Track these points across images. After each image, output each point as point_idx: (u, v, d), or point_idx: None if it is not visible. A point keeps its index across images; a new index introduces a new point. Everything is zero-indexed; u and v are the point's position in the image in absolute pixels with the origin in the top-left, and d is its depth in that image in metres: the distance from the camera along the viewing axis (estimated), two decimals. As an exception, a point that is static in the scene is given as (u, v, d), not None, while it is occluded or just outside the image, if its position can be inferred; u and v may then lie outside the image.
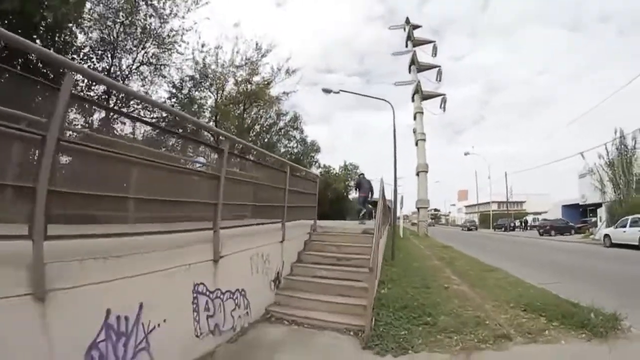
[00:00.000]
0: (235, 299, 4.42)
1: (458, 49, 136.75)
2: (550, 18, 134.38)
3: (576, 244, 22.57)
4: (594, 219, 29.62)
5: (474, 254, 13.95)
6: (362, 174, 14.39)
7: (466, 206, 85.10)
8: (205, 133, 17.38)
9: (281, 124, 29.29)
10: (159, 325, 3.06)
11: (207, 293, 3.79)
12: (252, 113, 26.02)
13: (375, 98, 16.94)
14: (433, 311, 5.23)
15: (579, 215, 36.38)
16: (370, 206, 13.75)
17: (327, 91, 15.59)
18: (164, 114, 16.04)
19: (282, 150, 28.74)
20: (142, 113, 15.67)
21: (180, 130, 14.52)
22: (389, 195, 13.85)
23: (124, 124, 3.06)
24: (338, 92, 15.49)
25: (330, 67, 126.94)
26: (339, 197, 38.30)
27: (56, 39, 12.36)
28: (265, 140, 26.93)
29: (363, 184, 13.10)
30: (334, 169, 41.09)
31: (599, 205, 28.34)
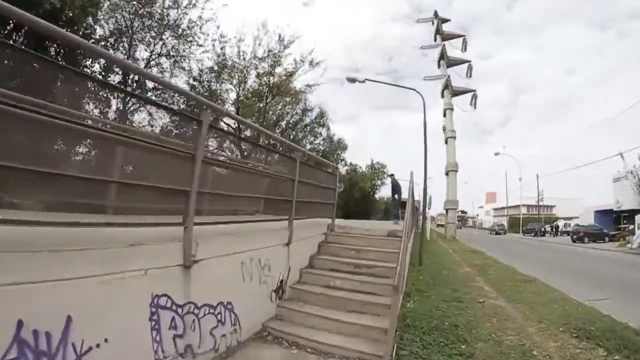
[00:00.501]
0: (218, 314, 3.56)
1: (486, 48, 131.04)
2: (580, 16, 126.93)
3: (612, 252, 21.00)
4: (631, 227, 27.32)
5: (506, 261, 13.04)
6: (392, 174, 13.96)
7: (494, 209, 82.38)
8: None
9: (307, 120, 28.77)
10: (97, 345, 2.36)
11: (174, 307, 2.95)
12: (277, 109, 25.50)
13: (403, 87, 16.80)
14: (468, 336, 4.32)
15: (613, 222, 34.15)
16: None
17: (351, 80, 14.98)
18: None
19: (308, 146, 28.11)
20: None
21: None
22: (417, 195, 13.19)
23: (64, 81, 2.32)
24: (363, 81, 14.79)
25: (358, 66, 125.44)
26: (365, 196, 37.28)
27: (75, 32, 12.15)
28: (291, 136, 26.34)
29: (396, 186, 12.76)
30: (360, 167, 39.79)
31: (636, 211, 26.33)
